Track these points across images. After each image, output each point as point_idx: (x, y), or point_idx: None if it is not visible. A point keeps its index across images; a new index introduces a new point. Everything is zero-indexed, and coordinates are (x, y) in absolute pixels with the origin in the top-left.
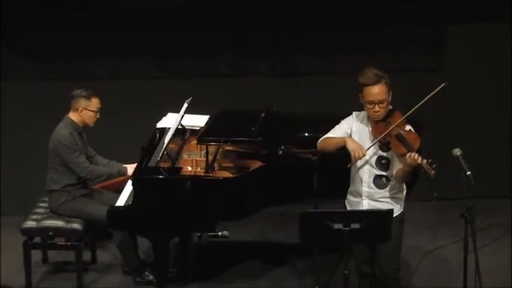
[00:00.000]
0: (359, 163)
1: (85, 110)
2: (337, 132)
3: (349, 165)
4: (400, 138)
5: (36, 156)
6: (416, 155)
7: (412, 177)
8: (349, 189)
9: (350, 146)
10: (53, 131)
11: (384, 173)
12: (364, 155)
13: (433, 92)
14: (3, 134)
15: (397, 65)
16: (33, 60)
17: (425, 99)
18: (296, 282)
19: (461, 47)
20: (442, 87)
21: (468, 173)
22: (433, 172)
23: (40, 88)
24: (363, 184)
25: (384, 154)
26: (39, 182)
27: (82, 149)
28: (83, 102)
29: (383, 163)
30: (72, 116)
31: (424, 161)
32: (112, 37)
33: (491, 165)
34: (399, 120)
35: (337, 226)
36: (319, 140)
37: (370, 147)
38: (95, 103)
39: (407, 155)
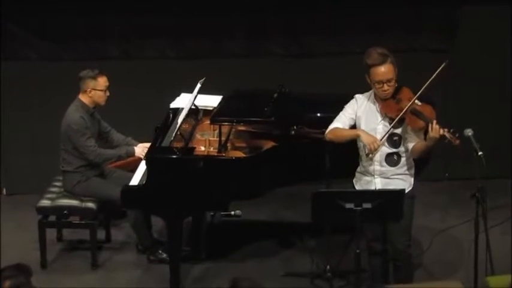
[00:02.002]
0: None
1: (93, 91)
2: (343, 120)
3: (370, 156)
4: (416, 113)
5: (51, 135)
6: (438, 125)
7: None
8: (359, 169)
9: (365, 139)
10: (65, 114)
11: (395, 150)
12: (380, 146)
13: (437, 71)
14: (17, 113)
15: (408, 46)
16: (48, 40)
17: (431, 79)
18: (308, 261)
19: (473, 28)
20: (444, 66)
21: (480, 153)
22: (457, 141)
23: (55, 68)
24: (375, 163)
25: (396, 131)
26: (54, 161)
27: (93, 130)
28: (90, 83)
29: (395, 140)
30: (83, 97)
31: (446, 130)
32: (126, 17)
33: (501, 145)
34: (413, 99)
35: (349, 206)
36: (327, 131)
37: (387, 133)
38: (101, 82)
39: (430, 127)
